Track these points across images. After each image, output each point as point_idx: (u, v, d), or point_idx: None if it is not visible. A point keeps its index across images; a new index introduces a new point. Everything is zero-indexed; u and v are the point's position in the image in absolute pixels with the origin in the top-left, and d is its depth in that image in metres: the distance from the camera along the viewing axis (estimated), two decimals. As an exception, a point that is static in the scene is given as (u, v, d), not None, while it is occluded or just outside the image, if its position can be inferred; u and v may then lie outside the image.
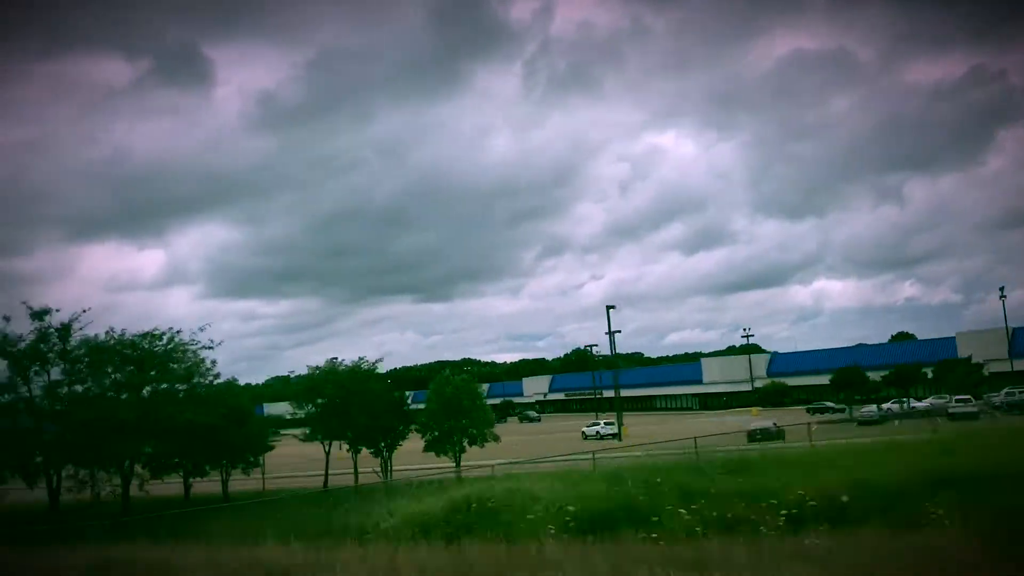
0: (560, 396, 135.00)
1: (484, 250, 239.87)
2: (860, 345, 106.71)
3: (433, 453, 37.55)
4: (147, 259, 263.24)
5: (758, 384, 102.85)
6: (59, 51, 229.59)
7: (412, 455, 39.09)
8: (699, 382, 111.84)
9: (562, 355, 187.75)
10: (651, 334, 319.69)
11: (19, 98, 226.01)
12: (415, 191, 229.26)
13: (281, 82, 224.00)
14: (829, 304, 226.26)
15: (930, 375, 75.63)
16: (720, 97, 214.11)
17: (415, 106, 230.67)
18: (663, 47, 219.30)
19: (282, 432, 44.39)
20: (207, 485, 37.40)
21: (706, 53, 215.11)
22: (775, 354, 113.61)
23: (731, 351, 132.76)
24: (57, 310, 32.55)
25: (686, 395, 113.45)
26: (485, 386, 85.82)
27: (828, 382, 76.79)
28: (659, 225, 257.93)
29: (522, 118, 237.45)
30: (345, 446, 39.52)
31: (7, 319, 32.06)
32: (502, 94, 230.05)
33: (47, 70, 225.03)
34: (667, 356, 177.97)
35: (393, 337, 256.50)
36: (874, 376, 73.56)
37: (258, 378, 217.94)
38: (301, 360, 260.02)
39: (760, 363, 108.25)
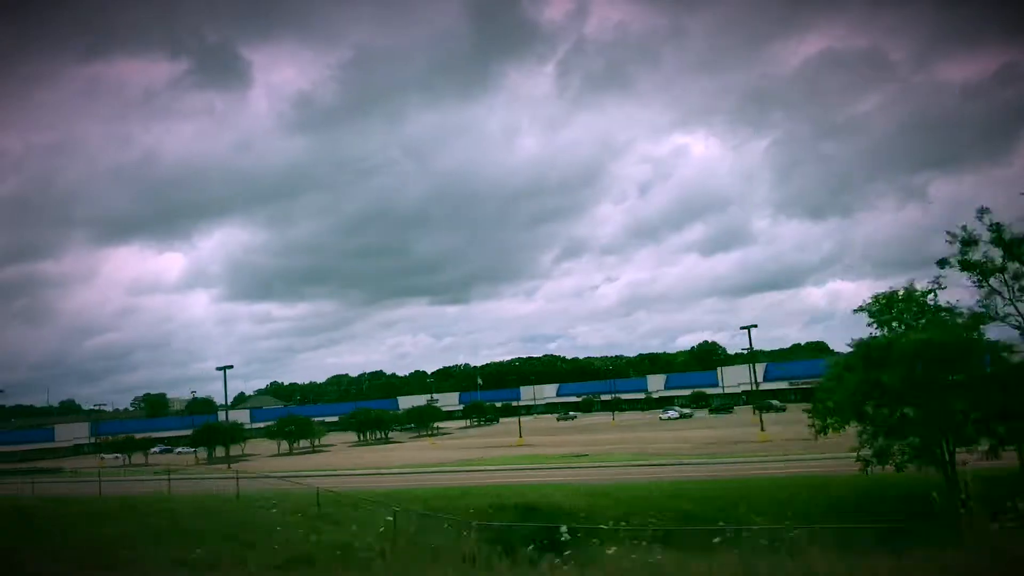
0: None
1: (503, 252, 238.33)
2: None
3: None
4: (170, 262, 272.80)
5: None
6: (100, 53, 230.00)
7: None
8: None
9: (578, 357, 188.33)
10: (663, 336, 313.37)
11: (56, 101, 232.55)
12: (440, 193, 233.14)
13: (316, 83, 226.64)
14: (844, 305, 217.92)
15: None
16: (751, 96, 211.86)
17: (446, 107, 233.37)
18: (696, 47, 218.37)
19: None
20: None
21: (738, 53, 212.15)
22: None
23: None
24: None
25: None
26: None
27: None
28: (680, 226, 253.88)
29: (551, 119, 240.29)
30: None
31: None
32: (533, 94, 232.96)
33: (86, 72, 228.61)
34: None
35: (406, 340, 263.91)
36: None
37: (265, 382, 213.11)
38: (314, 363, 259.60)
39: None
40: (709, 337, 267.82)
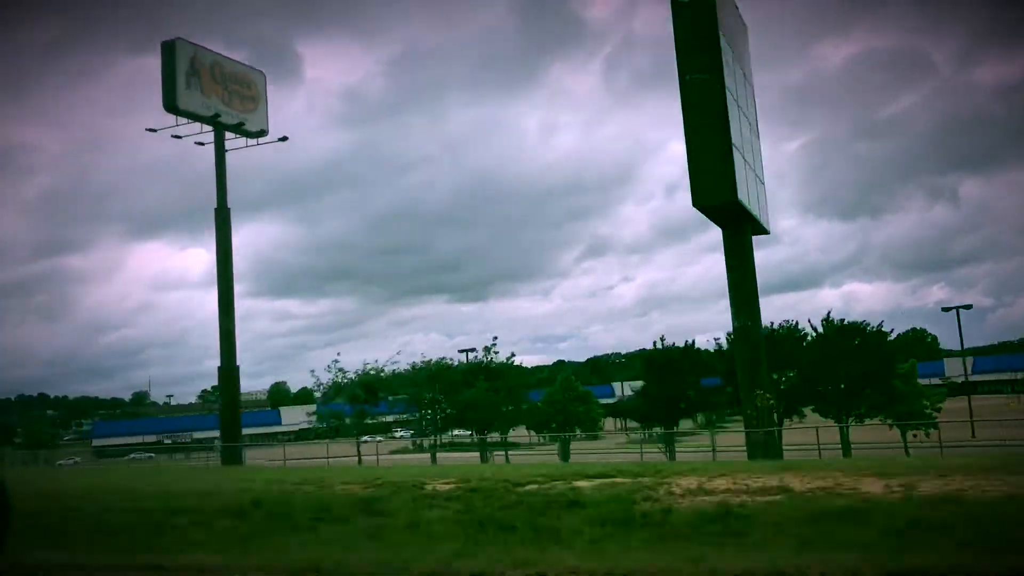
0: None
1: (526, 250, 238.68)
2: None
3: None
4: (195, 258, 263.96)
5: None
6: (149, 47, 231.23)
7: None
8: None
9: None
10: (673, 337, 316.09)
11: (99, 95, 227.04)
12: (469, 190, 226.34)
13: (364, 78, 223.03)
14: (858, 307, 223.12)
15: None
16: (790, 95, 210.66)
17: (488, 104, 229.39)
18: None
19: None
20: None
21: (783, 51, 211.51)
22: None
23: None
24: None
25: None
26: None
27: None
28: (707, 226, 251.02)
29: (590, 116, 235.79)
30: None
31: None
32: (576, 91, 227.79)
33: (132, 66, 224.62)
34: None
35: (418, 338, 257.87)
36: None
37: (279, 377, 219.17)
38: (321, 362, 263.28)
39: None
40: (724, 339, 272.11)
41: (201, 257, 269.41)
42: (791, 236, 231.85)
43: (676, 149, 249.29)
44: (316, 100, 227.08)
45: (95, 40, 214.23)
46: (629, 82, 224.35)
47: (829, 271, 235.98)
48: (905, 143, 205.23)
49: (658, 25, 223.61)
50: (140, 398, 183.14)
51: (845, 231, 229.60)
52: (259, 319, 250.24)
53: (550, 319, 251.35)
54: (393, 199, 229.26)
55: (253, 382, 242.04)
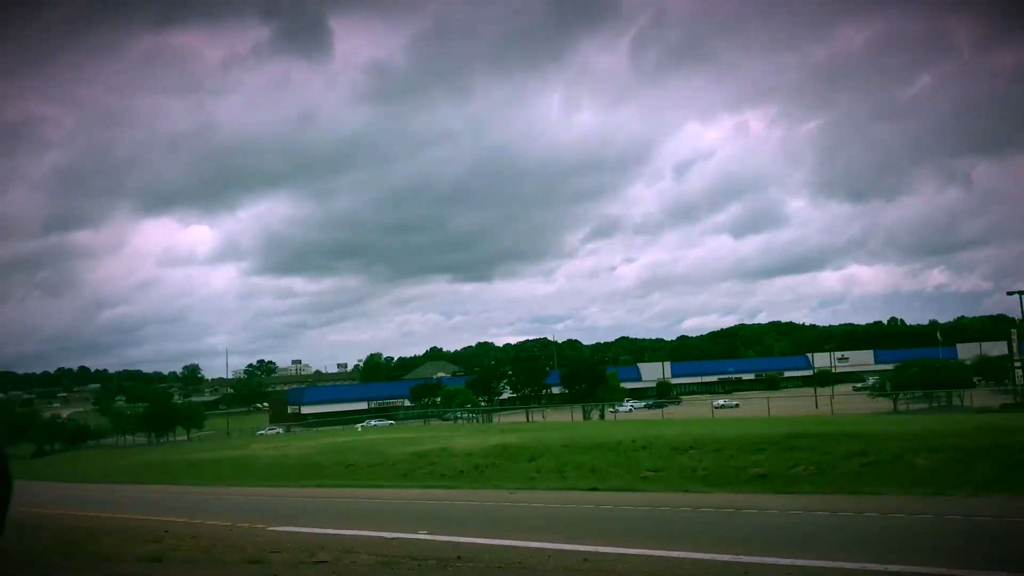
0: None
1: (533, 230, 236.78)
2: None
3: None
4: (204, 234, 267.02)
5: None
6: (172, 21, 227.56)
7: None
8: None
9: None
10: (671, 318, 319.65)
11: (119, 70, 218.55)
12: (485, 168, 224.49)
13: (392, 52, 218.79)
14: (858, 290, 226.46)
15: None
16: (811, 76, 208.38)
17: (513, 81, 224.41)
18: (767, 24, 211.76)
19: None
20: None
21: (808, 31, 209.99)
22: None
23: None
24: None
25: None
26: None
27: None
28: (717, 207, 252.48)
29: (613, 95, 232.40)
30: None
31: None
32: (601, 69, 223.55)
33: (154, 41, 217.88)
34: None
35: (415, 318, 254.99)
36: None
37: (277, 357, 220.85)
38: (318, 340, 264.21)
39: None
40: (717, 321, 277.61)
41: (205, 234, 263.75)
42: (800, 217, 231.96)
43: (693, 129, 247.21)
44: (343, 75, 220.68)
45: (116, 15, 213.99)
46: (656, 61, 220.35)
47: (833, 253, 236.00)
48: (922, 125, 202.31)
49: (686, 4, 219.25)
50: (192, 370, 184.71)
51: (854, 213, 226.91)
52: (262, 297, 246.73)
53: (550, 300, 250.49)
54: (409, 176, 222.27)
55: (242, 360, 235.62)
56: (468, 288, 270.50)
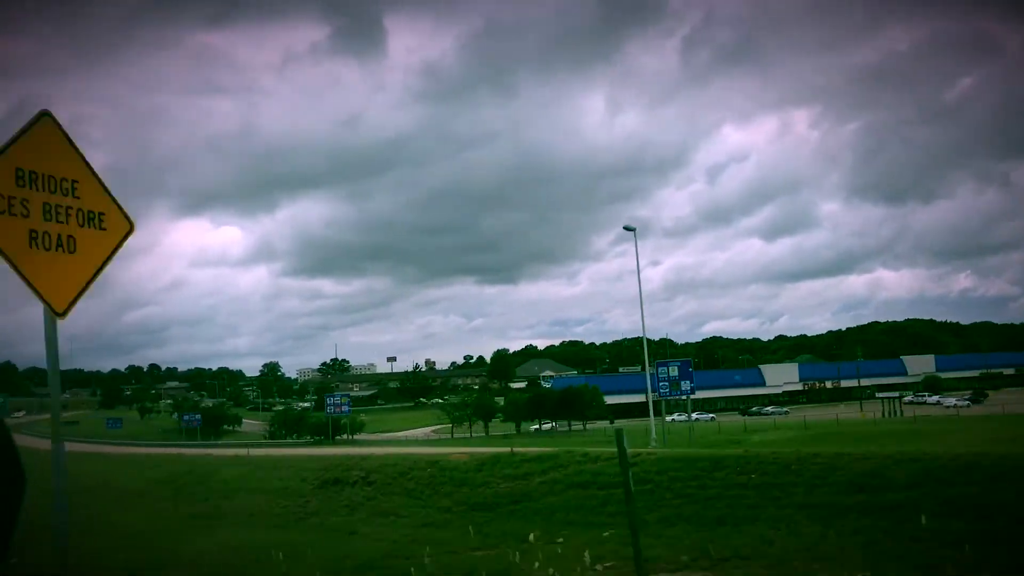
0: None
1: (564, 232, 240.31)
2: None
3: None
4: (239, 235, 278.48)
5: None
6: (225, 21, 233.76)
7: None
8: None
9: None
10: (691, 322, 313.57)
11: (169, 69, 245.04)
12: (524, 168, 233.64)
13: (443, 53, 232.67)
14: (882, 294, 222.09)
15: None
16: (856, 78, 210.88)
17: (559, 83, 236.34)
18: (815, 25, 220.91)
19: None
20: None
21: (855, 33, 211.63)
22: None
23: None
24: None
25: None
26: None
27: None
28: (751, 209, 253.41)
29: (656, 96, 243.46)
30: None
31: None
32: (647, 71, 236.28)
33: (203, 41, 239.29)
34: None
35: (437, 320, 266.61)
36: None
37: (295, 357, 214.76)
38: (343, 342, 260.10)
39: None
40: (738, 325, 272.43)
41: (239, 235, 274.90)
42: (833, 220, 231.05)
43: (732, 131, 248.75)
44: (393, 75, 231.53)
45: (169, 14, 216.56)
46: (702, 61, 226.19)
47: (863, 257, 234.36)
48: (963, 127, 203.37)
49: (735, 6, 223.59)
50: (273, 367, 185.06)
51: (887, 216, 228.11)
52: (289, 298, 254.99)
53: (571, 302, 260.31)
54: (448, 177, 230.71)
55: (256, 361, 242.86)
56: (491, 291, 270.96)
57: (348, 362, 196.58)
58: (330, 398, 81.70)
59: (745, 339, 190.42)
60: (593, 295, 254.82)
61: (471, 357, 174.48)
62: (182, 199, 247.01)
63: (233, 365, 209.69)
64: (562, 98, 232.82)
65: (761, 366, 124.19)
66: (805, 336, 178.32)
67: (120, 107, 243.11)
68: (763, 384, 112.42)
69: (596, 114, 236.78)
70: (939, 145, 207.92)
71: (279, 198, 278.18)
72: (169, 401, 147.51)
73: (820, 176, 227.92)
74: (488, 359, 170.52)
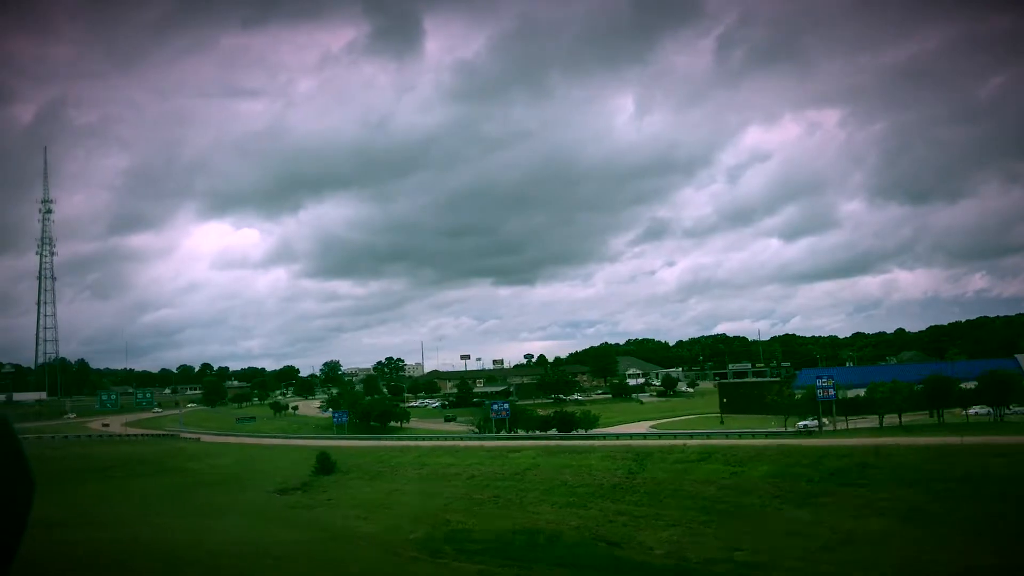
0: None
1: (583, 234, 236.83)
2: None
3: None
4: (260, 236, 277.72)
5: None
6: (259, 22, 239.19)
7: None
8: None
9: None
10: (703, 323, 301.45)
11: (201, 72, 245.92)
12: (546, 171, 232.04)
13: (477, 53, 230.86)
14: (895, 295, 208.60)
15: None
16: (887, 75, 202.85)
17: (592, 83, 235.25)
18: (847, 25, 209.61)
19: None
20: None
21: (883, 32, 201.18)
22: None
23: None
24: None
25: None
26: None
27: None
28: (771, 210, 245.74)
29: (686, 96, 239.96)
30: None
31: None
32: (679, 71, 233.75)
33: (238, 43, 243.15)
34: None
35: (448, 322, 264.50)
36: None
37: (306, 359, 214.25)
38: (355, 344, 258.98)
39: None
40: (748, 326, 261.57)
41: (260, 237, 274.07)
42: (854, 221, 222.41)
43: (758, 130, 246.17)
44: (426, 76, 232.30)
45: (207, 16, 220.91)
46: (734, 61, 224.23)
47: (881, 257, 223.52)
48: (991, 127, 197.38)
49: (776, 4, 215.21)
50: (334, 366, 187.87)
51: (907, 216, 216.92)
52: (305, 300, 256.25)
53: (584, 304, 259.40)
54: (473, 179, 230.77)
55: (267, 363, 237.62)
56: (505, 292, 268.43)
57: (403, 360, 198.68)
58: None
59: (822, 336, 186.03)
60: (606, 297, 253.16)
61: (531, 356, 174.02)
62: (208, 201, 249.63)
63: (241, 367, 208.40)
64: (593, 99, 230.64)
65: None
66: (883, 333, 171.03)
67: (151, 109, 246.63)
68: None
69: (625, 115, 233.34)
70: (966, 144, 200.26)
71: (304, 199, 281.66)
72: (281, 395, 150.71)
73: (844, 176, 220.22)
74: (498, 361, 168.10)
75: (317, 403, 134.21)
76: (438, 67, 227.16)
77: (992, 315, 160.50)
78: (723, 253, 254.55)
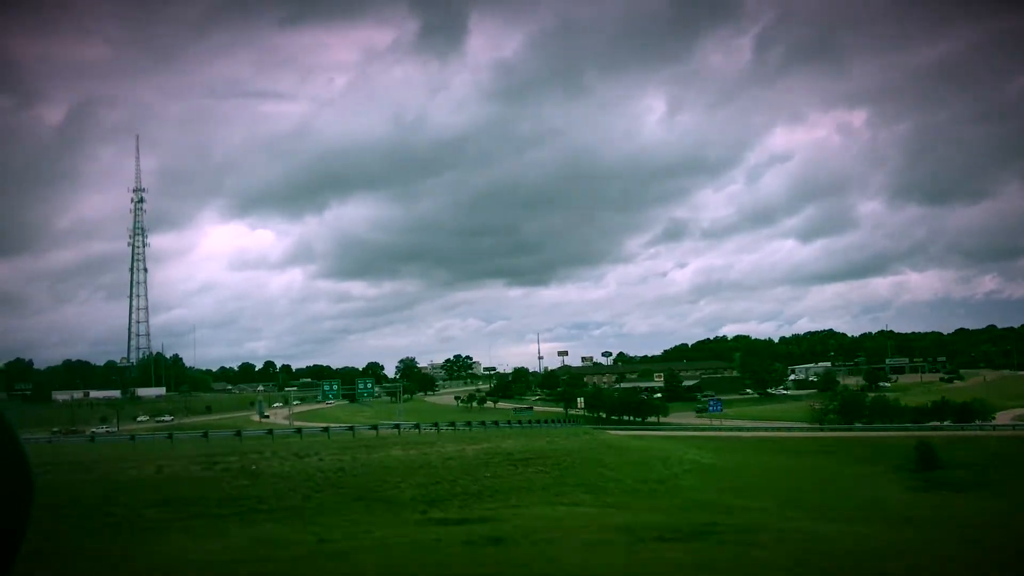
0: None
1: (599, 234, 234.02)
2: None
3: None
4: (278, 237, 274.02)
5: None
6: (302, 20, 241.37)
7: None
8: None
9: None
10: (708, 324, 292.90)
11: (235, 71, 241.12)
12: (571, 170, 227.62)
13: (516, 51, 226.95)
14: (904, 296, 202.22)
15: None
16: (914, 75, 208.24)
17: (628, 81, 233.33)
18: (881, 23, 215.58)
19: None
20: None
21: (913, 31, 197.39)
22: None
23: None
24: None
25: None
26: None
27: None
28: (790, 211, 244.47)
29: (718, 96, 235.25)
30: None
31: None
32: (713, 70, 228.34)
33: (276, 41, 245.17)
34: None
35: (455, 324, 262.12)
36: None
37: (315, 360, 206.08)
38: (361, 345, 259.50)
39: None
40: (755, 327, 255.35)
41: (279, 237, 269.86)
42: (872, 221, 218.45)
43: (777, 132, 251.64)
44: (466, 75, 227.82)
45: (246, 15, 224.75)
46: (773, 63, 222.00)
47: (894, 258, 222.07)
48: (1016, 126, 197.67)
49: (815, 4, 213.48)
50: (375, 367, 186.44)
51: (924, 217, 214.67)
52: (317, 301, 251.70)
53: (592, 306, 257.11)
54: (499, 177, 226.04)
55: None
56: (516, 293, 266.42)
57: (471, 358, 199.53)
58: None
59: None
60: (614, 298, 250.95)
61: (609, 353, 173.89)
62: (236, 200, 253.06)
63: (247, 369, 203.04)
64: (626, 97, 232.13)
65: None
66: (893, 332, 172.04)
67: (186, 108, 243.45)
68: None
69: (656, 113, 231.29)
70: (989, 145, 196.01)
71: (330, 200, 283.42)
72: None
73: (865, 176, 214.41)
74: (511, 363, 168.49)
75: (448, 396, 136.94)
76: (477, 66, 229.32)
77: (999, 318, 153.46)
78: (735, 255, 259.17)
